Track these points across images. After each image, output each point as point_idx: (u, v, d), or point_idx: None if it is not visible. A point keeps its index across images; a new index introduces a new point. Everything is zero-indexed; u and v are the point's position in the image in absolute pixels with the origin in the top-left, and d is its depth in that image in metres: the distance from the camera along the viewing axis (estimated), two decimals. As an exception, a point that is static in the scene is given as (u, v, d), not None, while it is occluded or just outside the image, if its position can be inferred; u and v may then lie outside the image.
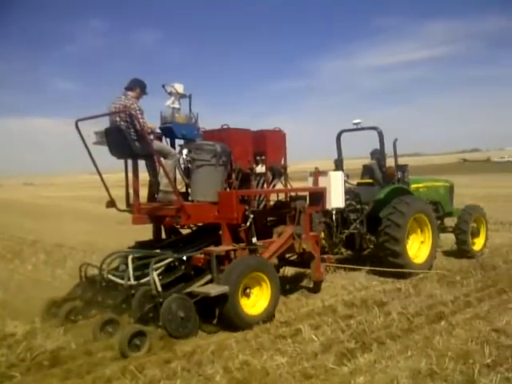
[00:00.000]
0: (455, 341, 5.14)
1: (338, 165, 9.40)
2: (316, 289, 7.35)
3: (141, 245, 7.03)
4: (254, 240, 6.42)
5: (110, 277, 6.04)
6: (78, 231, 15.81)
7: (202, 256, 6.08)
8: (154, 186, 6.86)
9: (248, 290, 5.97)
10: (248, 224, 6.39)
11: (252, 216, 6.43)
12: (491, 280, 7.59)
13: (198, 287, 5.74)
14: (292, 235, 6.83)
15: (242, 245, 6.31)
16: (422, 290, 7.18)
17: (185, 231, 7.45)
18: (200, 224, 7.07)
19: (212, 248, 6.22)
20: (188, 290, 5.71)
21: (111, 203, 6.95)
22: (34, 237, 14.76)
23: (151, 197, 6.93)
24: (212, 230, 6.78)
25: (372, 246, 8.60)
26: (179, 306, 5.39)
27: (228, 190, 6.74)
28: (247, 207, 6.52)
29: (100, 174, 6.83)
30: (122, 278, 5.83)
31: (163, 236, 7.31)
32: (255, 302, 6.02)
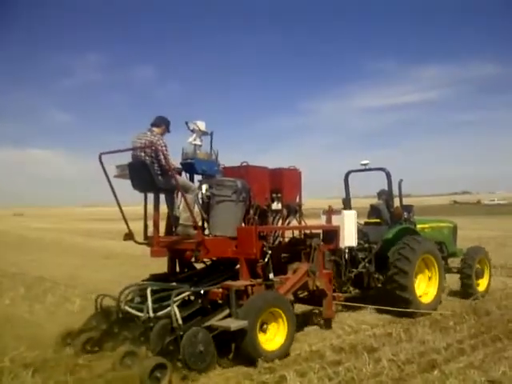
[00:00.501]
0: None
1: (346, 204, 9.58)
2: (327, 326, 7.39)
3: (155, 277, 6.99)
4: (271, 276, 6.53)
5: (128, 309, 6.02)
6: (62, 264, 15.43)
7: (220, 290, 6.10)
8: (172, 219, 6.93)
9: (265, 326, 5.99)
10: (266, 260, 6.50)
11: (270, 252, 6.56)
12: (485, 326, 7.30)
13: (216, 321, 5.75)
14: (307, 272, 6.93)
15: (260, 280, 6.39)
16: (413, 335, 6.88)
17: (198, 266, 7.37)
18: (214, 259, 7.09)
19: (231, 282, 6.21)
20: (207, 323, 5.71)
21: (129, 235, 6.91)
22: (16, 269, 14.36)
23: (169, 230, 7.01)
24: (227, 265, 6.89)
25: (380, 285, 8.58)
26: (199, 340, 5.36)
27: (246, 225, 6.81)
28: (265, 243, 6.60)
29: (120, 207, 6.73)
30: (139, 310, 5.82)
31: (176, 269, 7.27)
32: (272, 337, 6.05)
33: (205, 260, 7.07)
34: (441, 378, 5.22)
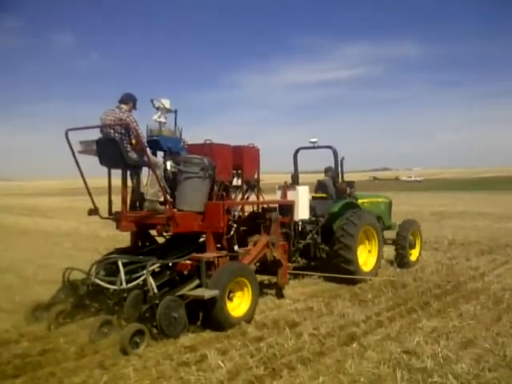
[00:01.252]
0: (367, 364, 4.96)
1: (295, 179, 10.04)
2: (279, 295, 7.78)
3: (119, 251, 7.13)
4: (236, 248, 7.07)
5: (98, 281, 6.22)
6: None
7: (189, 262, 6.46)
8: (136, 195, 7.08)
9: (232, 294, 6.36)
10: (232, 233, 7.00)
11: (235, 225, 7.11)
12: (401, 298, 7.57)
13: (188, 291, 6.06)
14: (267, 244, 7.35)
15: (225, 252, 6.82)
16: (334, 309, 7.00)
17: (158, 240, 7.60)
18: (171, 233, 7.20)
19: (201, 254, 6.55)
20: (180, 292, 6.03)
21: (94, 211, 7.09)
22: None
23: (133, 205, 7.13)
24: (187, 239, 7.09)
25: (324, 255, 9.14)
26: (174, 308, 5.71)
27: (210, 201, 7.03)
28: (230, 217, 7.11)
29: (86, 183, 6.93)
30: (109, 283, 6.14)
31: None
32: (238, 304, 6.43)
33: (164, 234, 7.34)
34: (359, 351, 5.32)
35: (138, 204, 7.10)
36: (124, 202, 6.74)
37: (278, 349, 5.32)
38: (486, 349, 5.34)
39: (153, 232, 7.26)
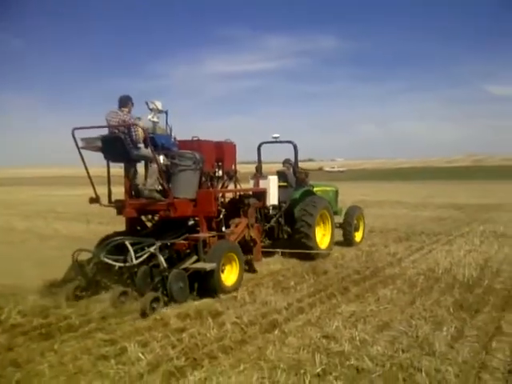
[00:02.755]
0: (288, 350, 5.04)
1: (258, 170, 10.93)
2: (251, 270, 8.67)
3: (118, 234, 7.92)
4: (224, 229, 8.29)
5: (106, 260, 7.06)
6: None
7: (186, 242, 7.47)
8: (133, 185, 7.93)
9: (223, 267, 7.40)
10: (221, 216, 8.33)
11: (223, 210, 8.49)
12: (322, 284, 7.78)
13: (190, 265, 7.10)
14: (247, 225, 8.67)
15: (215, 232, 7.96)
16: (257, 297, 7.05)
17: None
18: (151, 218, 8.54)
19: (198, 235, 7.60)
20: (183, 266, 7.06)
21: (95, 199, 8.04)
22: None
23: (130, 194, 7.98)
24: (174, 224, 7.97)
25: (286, 236, 10.30)
26: (180, 278, 6.76)
27: (200, 189, 8.03)
28: (219, 203, 8.36)
29: (89, 175, 7.86)
30: (115, 261, 7.04)
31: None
32: (228, 275, 7.51)
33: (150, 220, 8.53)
34: (281, 337, 5.41)
35: (133, 193, 7.96)
36: (127, 191, 7.86)
37: (200, 339, 5.31)
38: (400, 331, 5.58)
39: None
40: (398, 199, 27.34)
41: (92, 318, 6.01)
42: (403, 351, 4.97)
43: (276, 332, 5.58)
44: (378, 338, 5.33)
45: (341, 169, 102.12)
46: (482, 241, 12.22)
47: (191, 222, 8.22)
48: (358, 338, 5.31)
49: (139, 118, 7.91)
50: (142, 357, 4.80)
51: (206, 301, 6.89)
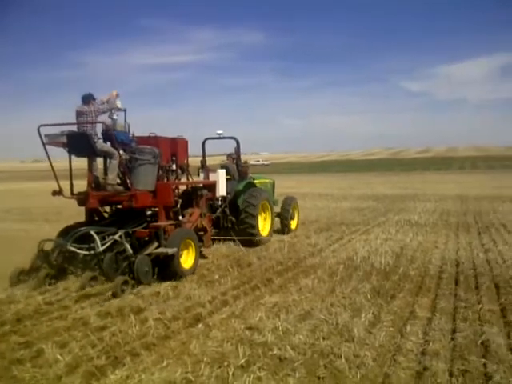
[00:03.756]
0: (211, 343, 5.05)
1: (203, 163, 11.58)
2: (202, 256, 9.19)
3: (81, 225, 8.38)
4: (180, 218, 8.93)
5: (73, 248, 7.59)
6: None
7: (147, 230, 8.09)
8: (93, 178, 8.44)
9: (181, 252, 7.96)
10: (178, 206, 9.09)
11: (180, 200, 9.36)
12: (246, 277, 7.84)
13: (153, 250, 7.67)
14: (200, 214, 9.35)
15: (172, 221, 8.56)
16: (181, 292, 7.00)
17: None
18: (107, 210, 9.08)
19: (158, 223, 8.16)
20: (146, 252, 7.64)
21: (58, 192, 8.38)
22: None
23: (94, 186, 8.46)
24: (133, 214, 8.52)
25: (230, 225, 10.97)
26: (145, 263, 7.39)
27: (158, 182, 8.60)
28: (176, 194, 9.17)
29: (53, 169, 8.21)
30: (80, 249, 7.59)
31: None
32: (186, 259, 8.13)
33: (106, 210, 9.06)
34: (204, 331, 5.40)
35: (93, 185, 8.43)
36: (90, 184, 8.40)
37: (122, 337, 5.19)
38: (321, 319, 5.72)
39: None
40: (319, 191, 28.06)
41: (6, 320, 5.72)
42: (324, 339, 5.11)
43: (200, 326, 5.58)
44: (299, 327, 5.44)
45: (265, 162, 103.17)
46: (397, 230, 12.81)
47: (149, 212, 8.89)
48: (280, 328, 5.41)
49: (116, 120, 8.52)
50: (61, 358, 4.63)
51: (128, 297, 6.73)
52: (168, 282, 7.52)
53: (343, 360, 4.56)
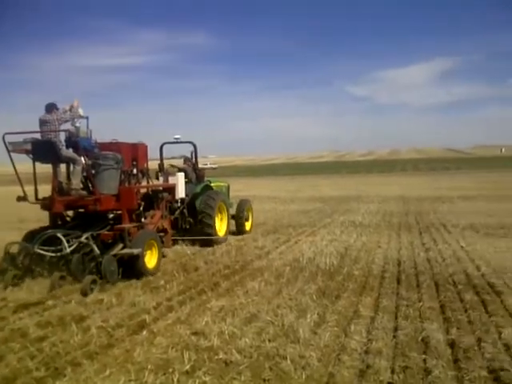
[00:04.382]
0: (156, 350, 4.96)
1: (161, 167, 12.04)
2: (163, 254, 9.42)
3: (46, 228, 8.56)
4: (143, 220, 9.27)
5: (40, 251, 7.85)
6: None
7: (112, 232, 8.40)
8: (58, 183, 8.71)
9: (145, 252, 8.21)
10: (141, 209, 9.38)
11: (143, 203, 9.55)
12: (193, 281, 7.77)
13: (118, 251, 7.96)
14: (161, 216, 9.81)
15: (135, 223, 8.91)
16: (125, 299, 6.83)
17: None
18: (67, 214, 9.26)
19: (123, 225, 8.46)
20: (112, 253, 7.88)
21: (23, 198, 8.60)
22: None
23: (58, 191, 8.72)
24: (95, 217, 8.79)
25: (188, 226, 11.46)
26: (111, 263, 7.69)
27: (121, 186, 8.91)
28: (138, 197, 9.34)
29: (17, 174, 8.30)
30: (47, 251, 7.85)
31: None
32: (149, 259, 8.40)
33: (68, 214, 9.25)
34: (149, 338, 5.31)
35: (57, 190, 8.68)
36: (54, 189, 8.65)
37: (63, 347, 5.02)
38: (267, 321, 5.74)
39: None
40: (267, 194, 28.21)
41: None
42: (270, 341, 5.12)
43: (144, 333, 5.47)
44: (246, 331, 5.43)
45: (213, 165, 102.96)
46: (342, 231, 13.06)
47: (111, 215, 9.16)
48: (226, 331, 5.38)
49: (79, 127, 8.82)
50: (-4, 372, 4.43)
51: (70, 306, 6.53)
52: (112, 289, 7.35)
53: (288, 361, 4.58)
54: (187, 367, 4.49)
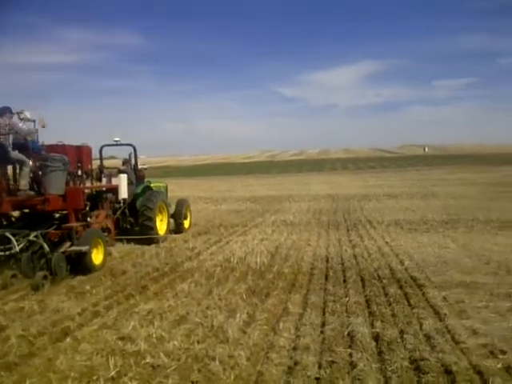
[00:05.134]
0: (80, 357, 4.79)
1: (101, 169, 12.03)
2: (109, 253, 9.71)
3: None
4: (89, 219, 9.59)
5: None
6: None
7: (59, 231, 8.73)
8: (6, 184, 8.87)
9: (91, 250, 8.49)
10: (87, 208, 9.73)
11: (89, 203, 9.91)
12: (120, 285, 7.56)
13: (67, 248, 8.25)
14: (106, 216, 10.28)
15: (82, 223, 9.23)
16: (48, 306, 6.53)
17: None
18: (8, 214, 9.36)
19: (71, 224, 8.79)
20: (61, 250, 8.18)
21: None
22: None
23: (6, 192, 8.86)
24: (41, 217, 9.15)
25: (129, 226, 11.83)
26: (61, 259, 7.97)
27: (67, 186, 9.24)
28: (84, 198, 9.66)
29: None
30: None
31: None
32: (96, 256, 8.72)
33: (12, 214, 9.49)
34: (73, 345, 5.12)
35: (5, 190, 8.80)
36: (2, 190, 8.73)
37: (-21, 359, 4.74)
38: (196, 323, 5.68)
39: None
40: (199, 194, 28.00)
41: None
42: (199, 342, 5.08)
43: (68, 340, 5.27)
44: (174, 333, 5.36)
45: (143, 166, 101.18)
46: (273, 230, 13.19)
47: (57, 215, 9.53)
48: (154, 335, 5.29)
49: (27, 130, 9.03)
50: None
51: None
52: (34, 296, 7.03)
53: (217, 362, 4.55)
54: (112, 373, 4.37)
